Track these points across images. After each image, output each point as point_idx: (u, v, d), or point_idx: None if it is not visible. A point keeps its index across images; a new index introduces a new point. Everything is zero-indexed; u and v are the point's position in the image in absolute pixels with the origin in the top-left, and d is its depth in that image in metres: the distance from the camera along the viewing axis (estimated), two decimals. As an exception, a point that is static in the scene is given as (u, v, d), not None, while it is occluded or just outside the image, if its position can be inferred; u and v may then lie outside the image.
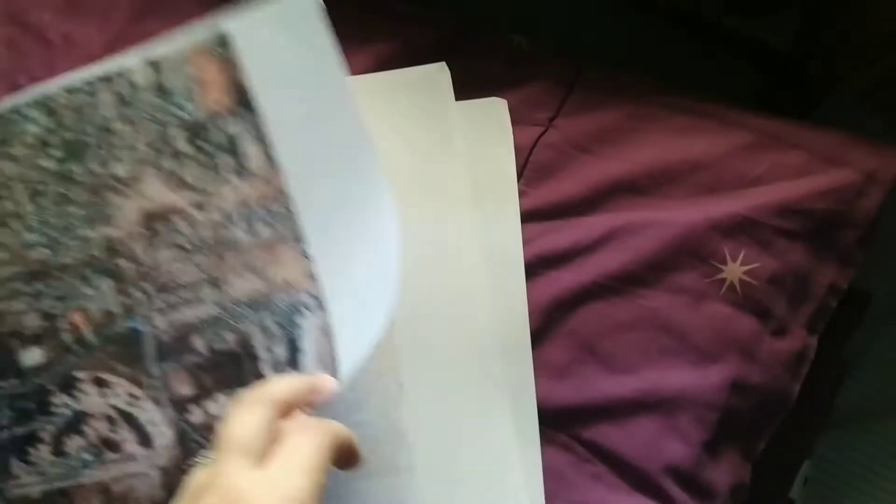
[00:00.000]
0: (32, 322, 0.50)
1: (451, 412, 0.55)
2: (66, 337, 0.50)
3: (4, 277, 0.50)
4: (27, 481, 0.50)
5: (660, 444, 0.54)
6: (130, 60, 0.48)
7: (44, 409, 0.50)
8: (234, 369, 0.49)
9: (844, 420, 0.70)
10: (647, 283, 0.55)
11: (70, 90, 0.49)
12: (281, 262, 0.48)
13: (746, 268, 0.55)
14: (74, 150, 0.49)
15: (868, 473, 0.69)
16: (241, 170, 0.48)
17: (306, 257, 0.48)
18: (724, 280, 0.55)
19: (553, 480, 0.55)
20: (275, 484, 0.39)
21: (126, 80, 0.49)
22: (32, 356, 0.50)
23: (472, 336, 0.55)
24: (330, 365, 0.47)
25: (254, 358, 0.49)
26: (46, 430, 0.50)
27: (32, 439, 0.50)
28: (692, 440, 0.54)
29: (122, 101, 0.49)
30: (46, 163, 0.49)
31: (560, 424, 0.55)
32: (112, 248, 0.49)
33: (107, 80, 0.49)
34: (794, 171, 0.56)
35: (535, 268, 0.56)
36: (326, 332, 0.48)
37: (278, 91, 0.48)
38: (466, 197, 0.57)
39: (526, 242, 0.56)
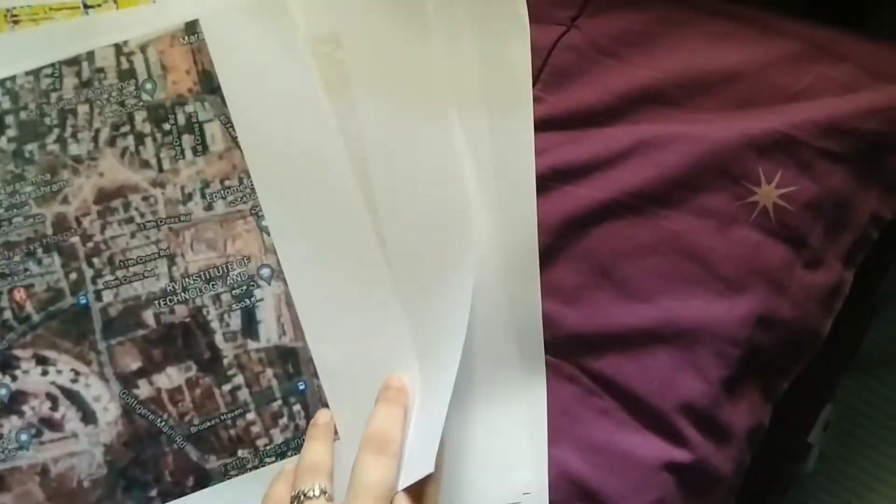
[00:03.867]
0: None
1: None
2: (6, 314, 0.48)
3: None
4: None
5: (675, 379, 0.50)
6: (96, 42, 0.49)
7: None
8: (184, 342, 0.50)
9: (869, 365, 0.66)
10: (671, 203, 0.50)
11: (33, 73, 0.49)
12: (238, 235, 0.50)
13: (782, 191, 0.50)
14: (32, 131, 0.49)
15: (892, 421, 0.66)
16: (201, 148, 0.50)
17: (264, 231, 0.50)
18: (756, 203, 0.50)
19: (557, 414, 0.51)
20: None
21: (91, 64, 0.49)
22: None
23: (475, 255, 0.50)
24: (291, 332, 0.50)
25: (206, 330, 0.49)
26: None
27: None
28: (710, 377, 0.50)
29: (86, 83, 0.49)
30: (0, 142, 0.49)
31: (567, 354, 0.51)
32: (63, 225, 0.49)
33: (72, 63, 0.49)
34: (841, 87, 0.51)
35: (549, 181, 0.51)
36: (289, 302, 0.50)
37: (242, 76, 0.50)
38: (476, 99, 0.51)
39: (539, 153, 0.51)
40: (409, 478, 0.44)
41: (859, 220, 0.51)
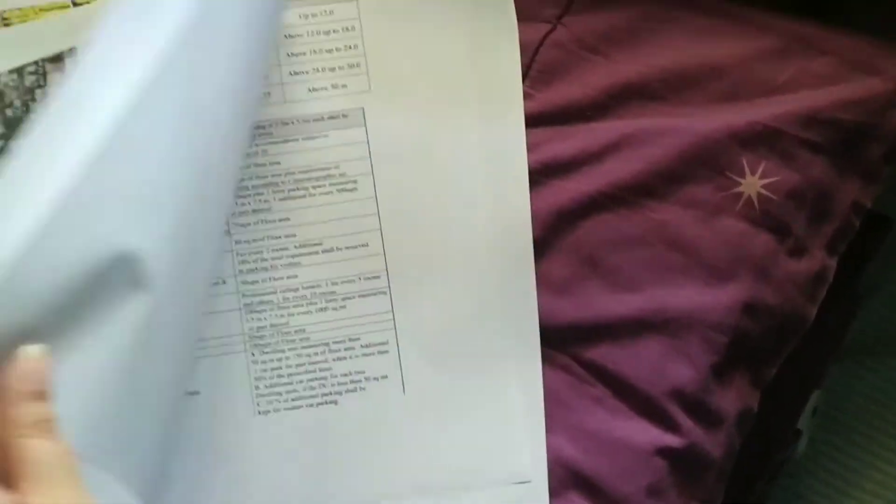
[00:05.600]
0: None
1: (447, 328, 0.51)
2: None
3: None
4: None
5: (665, 366, 0.51)
6: (79, 39, 0.44)
7: None
8: None
9: (856, 352, 0.68)
10: (658, 194, 0.52)
11: (17, 71, 0.48)
12: None
13: (766, 181, 0.51)
14: (19, 128, 0.47)
15: (879, 408, 0.67)
16: None
17: None
18: (740, 194, 0.52)
19: (551, 403, 0.52)
20: None
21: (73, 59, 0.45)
22: None
23: (470, 247, 0.52)
24: None
25: None
26: None
27: None
28: (700, 363, 0.51)
29: None
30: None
31: (559, 344, 0.52)
32: None
33: (55, 59, 0.48)
34: (822, 79, 0.52)
35: (539, 176, 0.52)
36: None
37: None
38: (468, 96, 0.52)
39: (530, 149, 0.52)
40: None
41: (840, 209, 0.53)
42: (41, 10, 0.49)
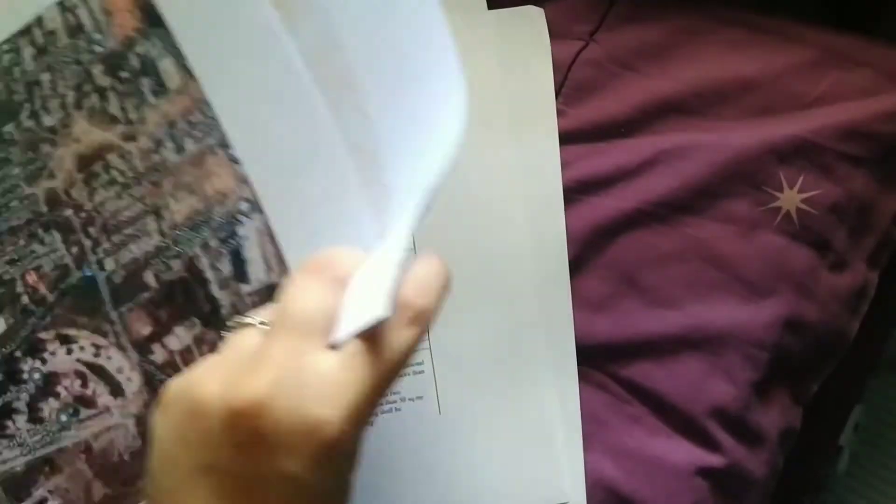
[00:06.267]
0: None
1: (483, 347, 0.51)
2: (24, 299, 0.49)
3: None
4: (9, 456, 0.49)
5: (705, 384, 0.50)
6: (41, 5, 0.48)
7: (14, 378, 0.49)
8: (185, 297, 0.48)
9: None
10: (695, 210, 0.51)
11: None
12: (212, 172, 0.48)
13: (805, 195, 0.51)
14: (6, 110, 0.48)
15: (921, 421, 0.66)
16: (160, 89, 0.48)
17: (234, 161, 0.47)
18: (779, 209, 0.51)
19: (588, 422, 0.51)
20: (350, 377, 0.34)
21: (41, 28, 0.48)
22: None
23: (506, 266, 0.51)
24: (277, 267, 0.47)
25: (202, 281, 0.48)
26: (20, 398, 0.49)
27: (8, 411, 0.49)
28: (740, 381, 0.50)
29: (42, 50, 0.48)
30: (-20, 129, 0.49)
31: (596, 362, 0.52)
32: (55, 199, 0.48)
33: (25, 32, 0.48)
34: (860, 91, 0.52)
35: (574, 193, 0.52)
36: (269, 234, 0.47)
37: (184, 2, 0.48)
38: (500, 114, 0.52)
39: (564, 166, 0.52)
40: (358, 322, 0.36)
41: (881, 222, 0.52)
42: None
